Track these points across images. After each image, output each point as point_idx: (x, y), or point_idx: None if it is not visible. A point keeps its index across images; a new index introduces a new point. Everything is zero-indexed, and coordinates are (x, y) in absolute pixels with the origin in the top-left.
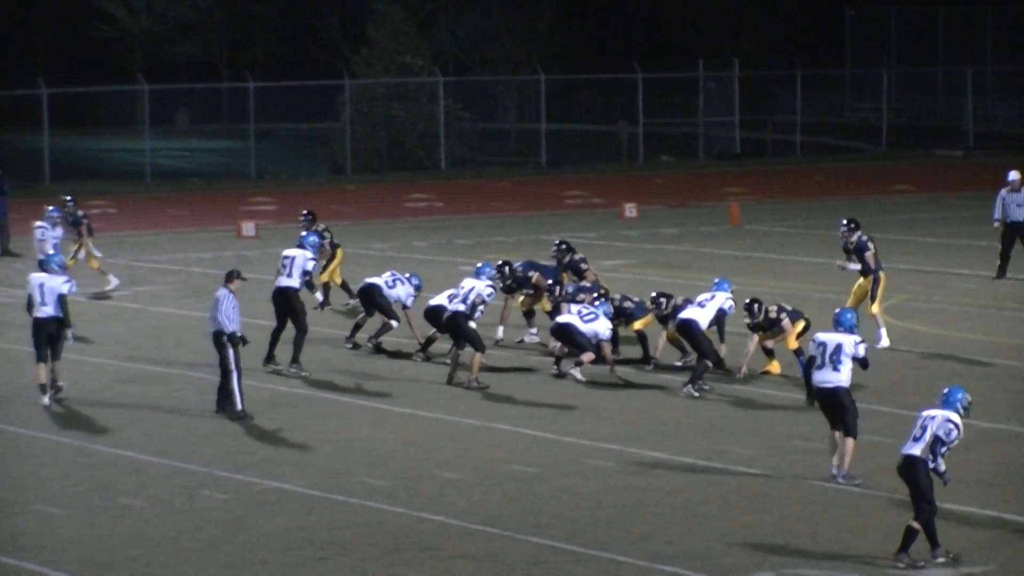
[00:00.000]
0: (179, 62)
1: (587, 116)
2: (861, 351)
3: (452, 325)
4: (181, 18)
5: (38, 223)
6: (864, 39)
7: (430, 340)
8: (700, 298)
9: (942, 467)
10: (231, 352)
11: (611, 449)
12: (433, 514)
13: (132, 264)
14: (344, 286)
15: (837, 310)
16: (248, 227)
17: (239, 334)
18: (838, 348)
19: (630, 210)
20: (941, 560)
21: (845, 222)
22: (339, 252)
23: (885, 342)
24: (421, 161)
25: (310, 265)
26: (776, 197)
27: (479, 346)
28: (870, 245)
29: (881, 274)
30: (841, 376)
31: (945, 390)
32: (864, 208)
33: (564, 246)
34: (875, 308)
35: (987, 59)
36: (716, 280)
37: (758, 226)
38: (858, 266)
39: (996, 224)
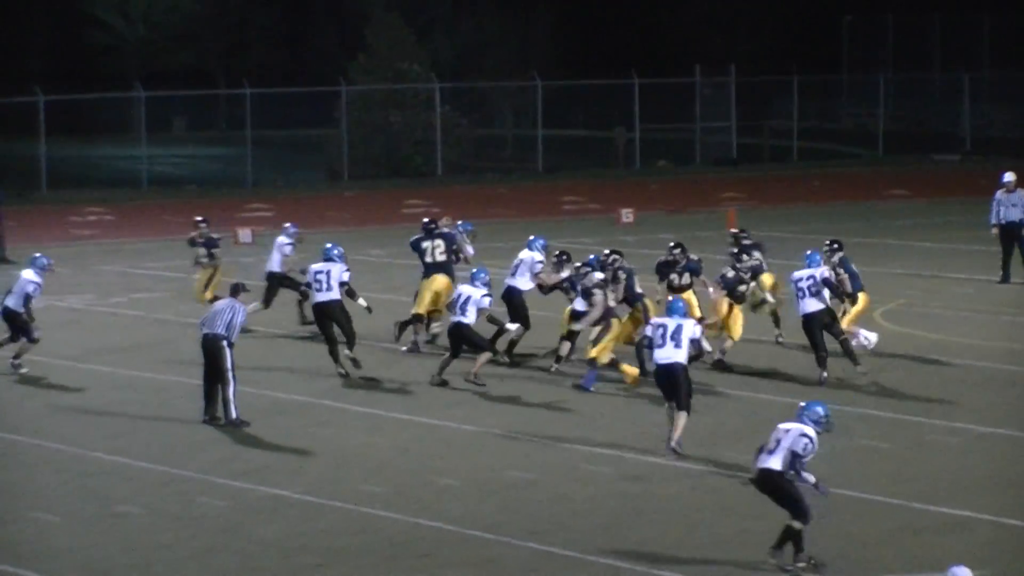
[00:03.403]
0: (176, 70)
1: (583, 122)
2: (698, 332)
3: (456, 335)
4: (177, 26)
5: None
6: (861, 45)
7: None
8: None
9: (811, 479)
10: (230, 356)
11: (608, 455)
12: (430, 520)
13: (129, 271)
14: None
15: (670, 298)
16: (245, 234)
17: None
18: (678, 329)
19: (627, 216)
20: (788, 569)
21: (828, 243)
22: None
23: (871, 338)
24: (418, 168)
25: (346, 276)
26: (773, 203)
27: (487, 347)
28: (852, 268)
29: (861, 296)
30: (680, 354)
31: (803, 404)
32: (861, 213)
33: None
34: (845, 323)
35: (983, 65)
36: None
37: (755, 231)
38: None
39: (994, 230)
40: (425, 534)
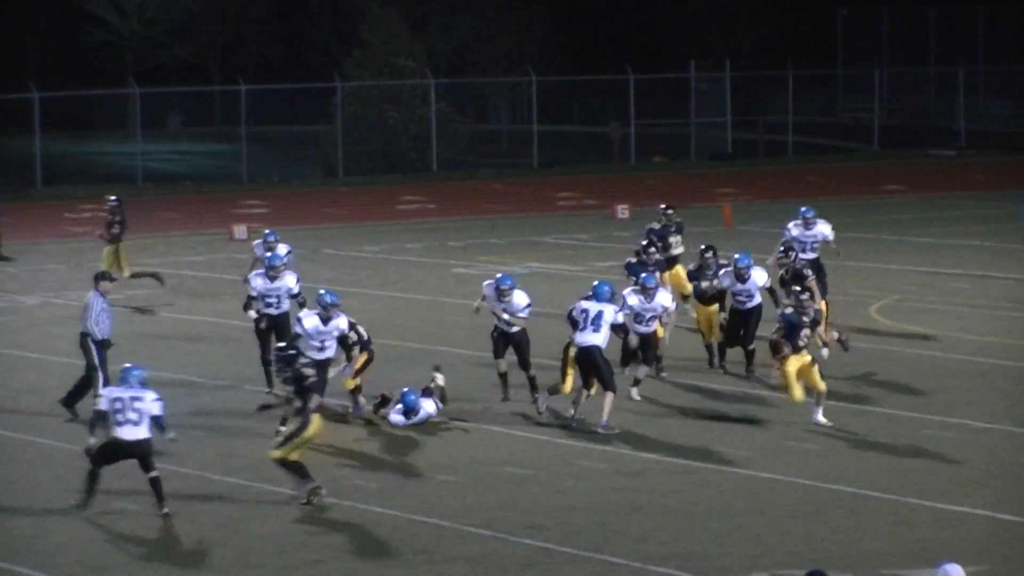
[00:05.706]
0: (170, 65)
1: (579, 117)
2: (620, 318)
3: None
4: (172, 21)
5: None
6: (856, 39)
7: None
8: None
9: None
10: (93, 351)
11: (604, 450)
12: (427, 516)
13: None
14: None
15: (595, 282)
16: (240, 230)
17: (108, 340)
18: (599, 315)
19: (622, 211)
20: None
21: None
22: None
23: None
24: (413, 163)
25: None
26: (768, 197)
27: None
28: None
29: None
30: (598, 338)
31: (126, 366)
32: (857, 208)
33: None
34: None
35: (979, 58)
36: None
37: (751, 227)
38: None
39: None
40: (422, 530)
